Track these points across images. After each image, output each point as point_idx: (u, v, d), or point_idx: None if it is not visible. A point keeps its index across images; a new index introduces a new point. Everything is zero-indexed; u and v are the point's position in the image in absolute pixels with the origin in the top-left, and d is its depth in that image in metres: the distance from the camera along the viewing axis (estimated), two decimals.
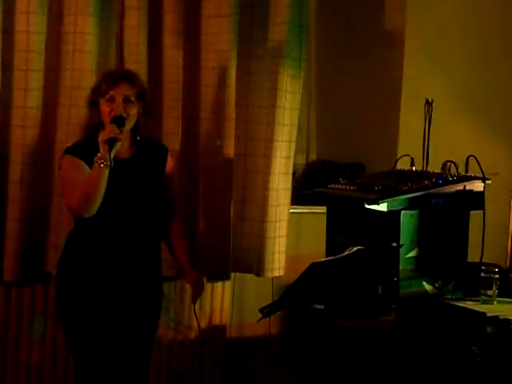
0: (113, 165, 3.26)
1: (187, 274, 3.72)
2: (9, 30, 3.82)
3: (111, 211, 3.36)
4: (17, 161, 3.83)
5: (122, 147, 3.36)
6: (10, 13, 3.81)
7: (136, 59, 4.01)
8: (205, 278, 4.16)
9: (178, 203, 3.76)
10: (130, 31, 4.00)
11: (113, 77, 3.46)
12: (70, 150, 3.41)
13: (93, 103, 3.43)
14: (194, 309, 3.82)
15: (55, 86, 3.92)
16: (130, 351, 3.52)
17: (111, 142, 3.25)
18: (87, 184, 3.29)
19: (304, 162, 4.90)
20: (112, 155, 3.26)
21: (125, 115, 3.34)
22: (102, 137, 3.27)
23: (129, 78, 3.47)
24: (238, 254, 4.28)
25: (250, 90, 4.24)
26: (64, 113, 3.86)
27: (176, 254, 3.70)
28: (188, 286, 4.03)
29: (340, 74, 4.86)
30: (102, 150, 3.25)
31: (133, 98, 3.39)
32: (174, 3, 4.04)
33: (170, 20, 4.04)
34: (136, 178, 3.43)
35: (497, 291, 3.71)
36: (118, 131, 3.29)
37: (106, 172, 3.25)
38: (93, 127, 3.46)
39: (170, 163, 3.60)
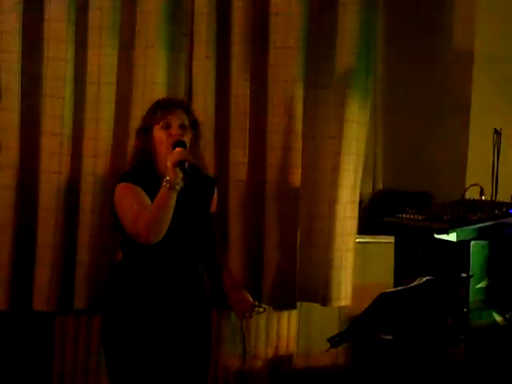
0: (181, 186, 3.22)
1: (235, 292, 3.57)
2: (81, 63, 3.91)
3: (162, 241, 3.30)
4: (87, 190, 3.91)
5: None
6: (82, 46, 3.91)
7: (204, 90, 4.06)
8: (270, 307, 4.16)
9: (220, 234, 3.72)
10: (198, 63, 4.06)
11: (168, 104, 3.45)
12: (126, 178, 3.38)
13: (145, 131, 3.40)
14: (242, 327, 3.75)
15: (126, 116, 3.99)
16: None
17: (182, 165, 3.21)
18: (156, 209, 3.24)
19: (370, 191, 4.90)
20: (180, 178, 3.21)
21: (184, 140, 3.31)
22: (170, 161, 3.22)
23: (183, 105, 3.47)
24: (304, 283, 4.24)
25: (317, 120, 4.24)
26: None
27: (228, 282, 3.59)
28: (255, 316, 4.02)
29: (407, 103, 4.90)
30: (170, 174, 3.20)
31: (187, 124, 3.37)
32: (242, 35, 4.08)
33: (238, 52, 4.07)
34: (186, 209, 3.37)
35: None
36: (187, 153, 3.26)
37: (175, 196, 3.20)
38: (141, 156, 3.44)
39: (215, 199, 3.56)
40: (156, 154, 3.37)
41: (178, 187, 3.19)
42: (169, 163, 3.21)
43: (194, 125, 3.42)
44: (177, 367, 3.39)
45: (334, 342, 3.48)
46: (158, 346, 3.34)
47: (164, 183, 3.19)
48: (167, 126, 3.33)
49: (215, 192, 3.55)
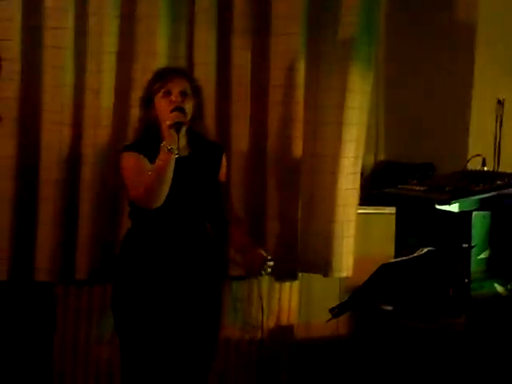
0: (178, 152, 3.27)
1: (251, 251, 3.57)
2: (82, 32, 3.90)
3: (168, 209, 3.37)
4: (89, 161, 3.93)
5: (179, 145, 3.37)
6: (82, 15, 3.90)
7: (205, 60, 4.06)
8: (272, 278, 4.21)
9: (232, 207, 3.76)
10: (199, 33, 4.06)
11: (167, 72, 3.48)
12: (129, 147, 3.45)
13: (147, 102, 3.44)
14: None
15: (127, 86, 4.00)
16: (188, 349, 3.51)
17: (178, 127, 3.26)
18: (155, 173, 3.30)
19: (372, 162, 4.95)
20: (178, 142, 3.27)
21: (184, 107, 3.35)
22: (168, 122, 3.27)
23: (184, 72, 3.52)
24: (306, 253, 4.29)
25: (319, 90, 4.26)
26: (135, 114, 3.88)
27: (237, 243, 3.62)
28: (256, 287, 4.02)
29: (409, 73, 4.91)
30: (167, 137, 3.26)
31: (189, 92, 3.40)
32: (243, 4, 4.09)
33: (240, 21, 4.11)
34: (192, 177, 3.42)
35: None
36: (183, 117, 3.31)
37: (173, 159, 3.26)
38: (145, 127, 3.48)
39: (224, 166, 3.61)
40: (160, 124, 3.39)
41: (175, 151, 3.23)
42: (166, 125, 3.28)
43: (197, 92, 3.45)
44: (186, 330, 3.45)
45: (334, 312, 3.48)
46: (168, 309, 3.40)
47: (162, 147, 3.23)
48: (167, 92, 3.37)
49: (223, 159, 3.58)
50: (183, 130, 3.28)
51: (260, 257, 3.49)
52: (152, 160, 3.34)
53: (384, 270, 3.48)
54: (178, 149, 3.27)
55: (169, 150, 3.25)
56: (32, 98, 3.93)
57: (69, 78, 3.89)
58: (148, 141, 3.41)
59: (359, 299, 3.60)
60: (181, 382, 3.52)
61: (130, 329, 3.46)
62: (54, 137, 3.90)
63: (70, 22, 3.85)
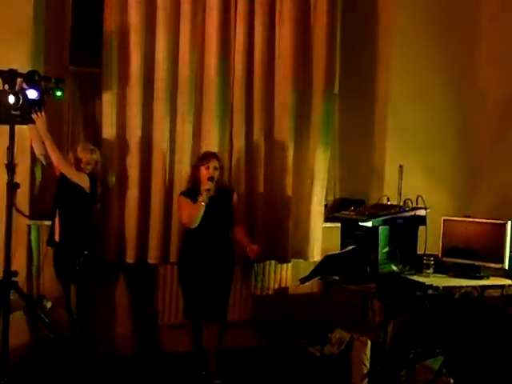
0: (207, 203, 3.73)
1: (249, 246, 3.80)
2: (173, 133, 4.22)
3: (203, 225, 3.75)
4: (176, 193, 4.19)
5: (211, 191, 3.78)
6: (179, 123, 4.17)
7: (240, 143, 4.33)
8: (277, 261, 4.56)
9: (241, 218, 4.00)
10: (235, 127, 4.34)
11: (208, 155, 3.88)
12: (183, 194, 3.88)
13: (196, 168, 3.86)
14: (255, 269, 4.13)
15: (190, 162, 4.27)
16: (214, 291, 3.80)
17: (208, 190, 3.74)
18: (195, 212, 3.74)
19: (332, 198, 4.98)
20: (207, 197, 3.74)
21: (214, 177, 3.79)
22: (204, 187, 3.73)
23: (216, 156, 3.91)
24: (294, 248, 4.55)
25: (301, 158, 4.56)
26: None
27: (242, 242, 3.88)
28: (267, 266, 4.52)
29: (348, 150, 4.96)
30: (203, 195, 3.71)
31: (218, 166, 3.85)
32: (259, 111, 4.34)
33: (257, 119, 4.32)
34: (215, 208, 3.77)
35: (432, 270, 3.97)
36: (212, 185, 3.78)
37: (204, 207, 3.73)
38: (193, 181, 3.86)
39: (234, 199, 3.92)
40: (200, 181, 3.85)
41: (205, 202, 3.73)
42: (202, 189, 3.76)
43: (221, 166, 3.93)
44: (213, 284, 3.83)
45: (302, 280, 3.97)
46: (204, 273, 3.80)
47: (199, 199, 3.75)
48: (207, 167, 3.84)
49: (234, 195, 3.93)
50: (210, 192, 3.73)
51: (256, 249, 3.85)
52: (194, 200, 3.72)
53: (328, 257, 3.97)
54: (207, 199, 3.69)
55: (202, 202, 3.72)
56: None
57: (168, 161, 4.26)
58: (193, 189, 3.83)
59: (316, 273, 3.98)
60: (209, 310, 3.79)
61: (186, 281, 3.86)
62: (159, 199, 4.22)
63: (166, 124, 4.19)
